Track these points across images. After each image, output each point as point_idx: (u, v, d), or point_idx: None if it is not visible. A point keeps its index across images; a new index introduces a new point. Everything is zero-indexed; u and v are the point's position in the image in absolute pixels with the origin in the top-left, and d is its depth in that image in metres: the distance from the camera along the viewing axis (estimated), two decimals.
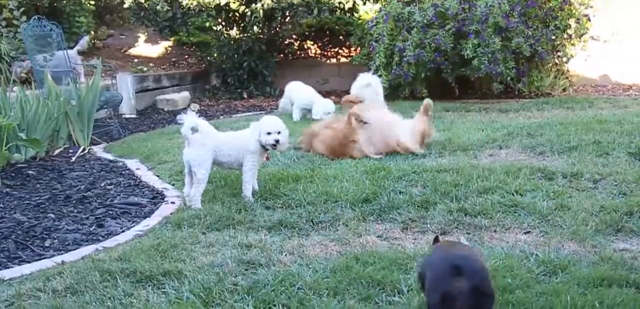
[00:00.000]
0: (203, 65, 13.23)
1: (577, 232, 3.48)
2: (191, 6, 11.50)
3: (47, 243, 3.80)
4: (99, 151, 6.87)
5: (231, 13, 12.09)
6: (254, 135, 4.39)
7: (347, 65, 12.10)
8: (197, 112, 5.00)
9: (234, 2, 11.57)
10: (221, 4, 11.42)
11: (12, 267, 3.41)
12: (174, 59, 13.72)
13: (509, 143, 5.85)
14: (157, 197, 4.73)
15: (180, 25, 12.33)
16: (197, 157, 4.28)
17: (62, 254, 3.56)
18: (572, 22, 9.75)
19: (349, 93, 7.86)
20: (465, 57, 8.96)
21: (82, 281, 3.02)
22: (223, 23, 12.47)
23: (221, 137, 4.55)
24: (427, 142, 5.84)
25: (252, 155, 4.39)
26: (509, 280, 2.84)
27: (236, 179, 4.68)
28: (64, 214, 4.36)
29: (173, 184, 5.01)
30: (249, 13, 11.48)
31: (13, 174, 5.53)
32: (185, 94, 11.36)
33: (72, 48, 8.96)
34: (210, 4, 11.44)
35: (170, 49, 14.22)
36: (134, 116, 9.77)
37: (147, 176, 5.39)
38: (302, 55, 13.58)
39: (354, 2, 12.00)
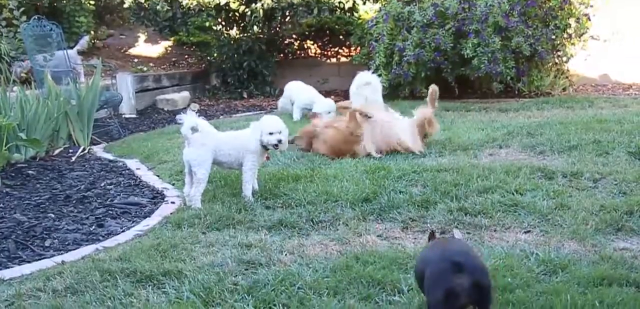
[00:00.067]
0: (203, 65, 13.23)
1: (577, 231, 3.48)
2: (191, 6, 11.50)
3: (47, 243, 3.80)
4: (99, 150, 6.87)
5: (231, 13, 12.09)
6: (255, 135, 4.39)
7: (347, 65, 12.10)
8: (197, 112, 5.00)
9: (234, 2, 11.57)
10: (221, 4, 11.42)
11: (12, 267, 3.41)
12: (174, 59, 13.72)
13: (509, 142, 5.85)
14: (157, 197, 4.73)
15: (180, 25, 12.33)
16: (197, 157, 4.28)
17: (62, 254, 3.56)
18: (572, 21, 9.75)
19: (348, 92, 7.87)
20: (465, 56, 8.96)
21: (82, 281, 3.02)
22: (223, 23, 12.47)
23: (221, 137, 4.55)
24: (431, 134, 5.82)
25: (252, 155, 4.39)
26: (509, 279, 2.84)
27: (236, 178, 4.68)
28: (64, 214, 4.36)
29: (173, 184, 5.01)
30: (249, 13, 11.48)
31: (13, 174, 5.53)
32: (185, 93, 11.36)
33: (72, 48, 8.96)
34: (210, 4, 11.44)
35: (170, 48, 14.22)
36: (134, 115, 9.77)
37: (147, 176, 5.39)
38: (302, 55, 13.58)
39: (354, 1, 12.00)
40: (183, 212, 4.13)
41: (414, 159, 5.32)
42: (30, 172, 5.65)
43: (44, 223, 4.15)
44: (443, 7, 9.16)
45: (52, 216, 4.32)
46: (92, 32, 12.53)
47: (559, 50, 9.87)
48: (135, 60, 13.09)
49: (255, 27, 11.82)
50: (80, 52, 9.42)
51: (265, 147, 4.43)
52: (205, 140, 4.32)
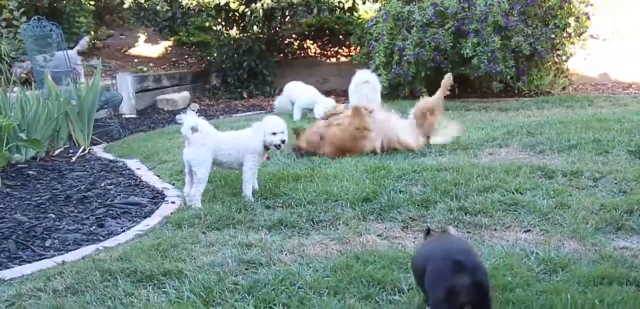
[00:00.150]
0: (203, 65, 13.24)
1: (577, 230, 3.48)
2: (191, 6, 11.51)
3: (47, 243, 3.80)
4: (99, 151, 6.87)
5: (231, 13, 12.10)
6: (257, 135, 4.39)
7: (347, 65, 12.10)
8: (197, 112, 5.00)
9: (233, 2, 11.58)
10: (221, 4, 11.43)
11: (12, 267, 3.41)
12: (173, 59, 13.72)
13: (509, 142, 5.85)
14: (158, 197, 4.74)
15: (180, 25, 12.34)
16: (197, 157, 4.28)
17: (62, 254, 3.57)
18: (571, 20, 9.75)
19: (348, 92, 7.88)
20: (465, 56, 8.97)
21: (83, 281, 3.02)
22: (223, 23, 12.48)
23: (221, 136, 4.55)
24: (433, 122, 5.80)
25: (253, 155, 4.40)
26: (509, 278, 2.84)
27: (236, 178, 4.68)
28: (65, 214, 4.36)
29: (173, 184, 5.01)
30: (248, 13, 11.49)
31: (13, 175, 5.53)
32: (185, 93, 11.37)
33: (72, 48, 8.97)
34: (210, 4, 11.45)
35: (170, 49, 14.23)
36: (134, 115, 9.78)
37: (148, 176, 5.40)
38: (302, 54, 13.59)
39: (354, 1, 12.01)
40: (183, 212, 4.13)
41: (414, 158, 5.32)
42: (30, 172, 5.65)
43: (44, 223, 4.15)
44: (443, 7, 9.16)
45: (53, 216, 4.32)
46: (92, 33, 12.54)
47: (558, 50, 9.88)
48: (135, 60, 13.10)
49: (255, 27, 11.83)
50: (80, 53, 9.43)
51: (266, 147, 4.44)
52: (205, 140, 4.32)
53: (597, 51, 10.30)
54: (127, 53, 13.70)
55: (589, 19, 9.80)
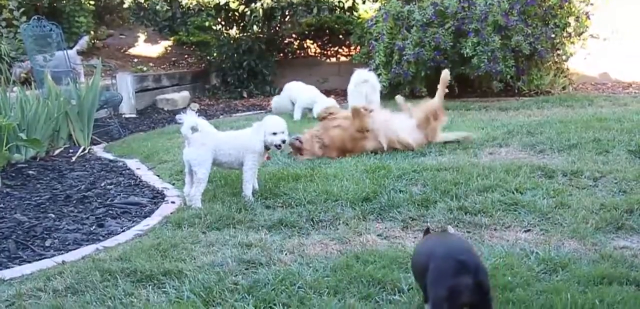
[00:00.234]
0: (203, 65, 13.23)
1: (577, 230, 3.48)
2: (191, 6, 11.50)
3: (47, 243, 3.80)
4: (99, 150, 6.87)
5: (231, 12, 12.09)
6: (258, 135, 4.39)
7: (347, 64, 12.10)
8: (197, 112, 5.00)
9: (233, 2, 11.58)
10: (221, 4, 11.42)
11: (12, 267, 3.41)
12: (173, 59, 13.72)
13: (509, 141, 5.85)
14: (158, 197, 4.74)
15: (179, 24, 12.34)
16: (197, 157, 4.28)
17: (62, 254, 3.57)
18: (571, 20, 9.75)
19: (347, 91, 7.88)
20: (465, 55, 8.96)
21: (83, 281, 3.02)
22: (223, 22, 12.48)
23: (221, 136, 4.55)
24: (437, 127, 5.79)
25: (253, 154, 4.40)
26: (509, 278, 2.84)
27: (236, 178, 4.68)
28: (64, 214, 4.36)
29: (173, 184, 5.01)
30: (248, 12, 11.49)
31: (13, 174, 5.53)
32: (185, 93, 11.37)
33: (71, 48, 8.97)
34: (209, 4, 11.45)
35: (170, 48, 14.23)
36: (134, 115, 9.78)
37: (147, 176, 5.40)
38: (302, 54, 13.59)
39: (354, 1, 12.01)
40: (183, 212, 4.13)
41: (414, 158, 5.32)
42: (30, 172, 5.65)
43: (44, 223, 4.15)
44: (443, 6, 9.16)
45: (53, 216, 4.32)
46: (92, 32, 12.54)
47: (558, 49, 9.87)
48: (135, 60, 13.10)
49: (255, 27, 11.82)
50: (80, 52, 9.43)
51: (267, 147, 4.45)
52: (205, 140, 4.32)
53: (597, 51, 10.29)
54: (127, 53, 13.70)
55: (589, 19, 9.79)
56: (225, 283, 2.92)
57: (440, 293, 2.23)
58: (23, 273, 3.24)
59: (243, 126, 6.00)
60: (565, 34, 9.77)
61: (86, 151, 6.74)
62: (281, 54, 13.29)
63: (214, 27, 12.61)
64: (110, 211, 4.41)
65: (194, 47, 13.66)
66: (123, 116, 9.46)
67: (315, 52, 13.62)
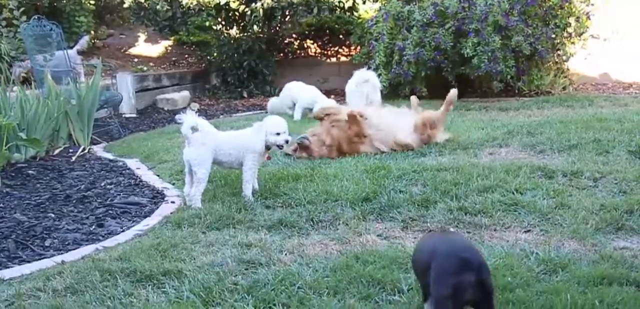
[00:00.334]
0: (203, 65, 13.23)
1: (577, 230, 3.48)
2: (191, 5, 11.50)
3: (47, 243, 3.80)
4: (99, 150, 6.87)
5: (231, 12, 12.09)
6: (260, 135, 4.39)
7: (347, 65, 12.09)
8: (197, 112, 5.00)
9: (233, 2, 11.58)
10: (221, 3, 11.42)
11: (12, 267, 3.41)
12: (174, 59, 13.72)
13: (509, 142, 5.84)
14: (157, 197, 4.73)
15: (180, 24, 12.33)
16: (197, 157, 4.28)
17: (62, 253, 3.57)
18: (572, 20, 9.74)
19: (346, 91, 7.89)
20: (465, 55, 8.96)
21: (82, 281, 3.02)
22: (223, 22, 12.47)
23: (221, 136, 4.55)
24: (432, 136, 5.80)
25: (253, 154, 4.40)
26: (509, 279, 2.84)
27: (236, 178, 4.68)
28: (64, 214, 4.36)
29: (173, 184, 5.01)
30: (248, 12, 11.48)
31: (13, 174, 5.53)
32: (186, 93, 11.37)
33: (71, 48, 8.96)
34: (210, 4, 11.44)
35: (170, 48, 14.23)
36: (134, 115, 9.78)
37: (147, 176, 5.39)
38: (302, 54, 13.58)
39: (354, 1, 12.00)
40: (183, 212, 4.13)
41: (414, 159, 5.32)
42: (30, 172, 5.65)
43: (44, 223, 4.15)
44: (443, 6, 9.16)
45: (52, 215, 4.32)
46: (92, 32, 12.54)
47: (559, 49, 9.86)
48: (135, 60, 13.10)
49: (255, 27, 11.82)
50: (80, 52, 9.43)
51: (267, 147, 4.45)
52: (205, 139, 4.32)
53: (597, 51, 10.28)
54: (127, 52, 13.70)
55: (589, 19, 9.79)
56: (225, 283, 2.92)
57: (443, 291, 2.24)
58: (23, 273, 3.24)
59: (243, 125, 6.00)
60: (565, 34, 9.76)
61: (86, 151, 6.74)
62: (281, 54, 13.29)
63: (214, 27, 12.61)
64: (110, 211, 4.41)
65: (194, 47, 13.66)
66: (123, 115, 9.45)
67: (315, 52, 13.61)
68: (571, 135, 5.77)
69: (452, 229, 2.97)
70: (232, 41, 12.21)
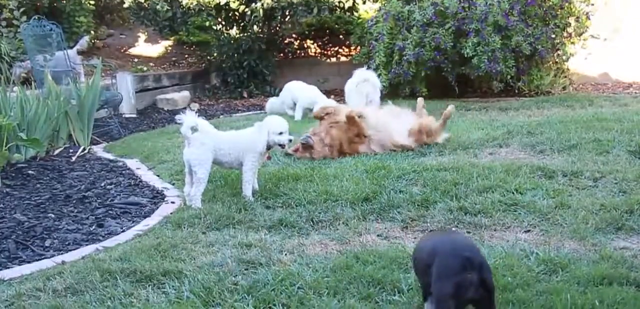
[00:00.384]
0: (203, 65, 13.23)
1: (577, 230, 3.48)
2: (191, 6, 11.49)
3: (47, 243, 3.80)
4: (99, 150, 6.87)
5: (231, 12, 12.09)
6: (261, 135, 4.39)
7: (347, 65, 12.08)
8: (197, 112, 5.00)
9: (233, 2, 11.57)
10: (221, 4, 11.42)
11: (12, 267, 3.41)
12: (174, 59, 13.71)
13: (509, 142, 5.84)
14: (157, 197, 4.73)
15: (180, 24, 12.33)
16: (197, 157, 4.28)
17: (62, 254, 3.57)
18: (572, 20, 9.75)
19: (345, 91, 7.89)
20: (465, 55, 8.96)
21: (82, 281, 3.02)
22: (223, 22, 12.47)
23: (221, 136, 4.55)
24: (427, 144, 5.80)
25: (254, 154, 4.40)
26: (509, 279, 2.84)
27: (236, 178, 4.68)
28: (64, 214, 4.36)
29: (173, 184, 5.01)
30: (248, 12, 11.48)
31: (13, 174, 5.53)
32: (186, 93, 11.36)
33: (71, 48, 8.96)
34: (210, 4, 11.44)
35: (170, 48, 14.22)
36: (134, 115, 9.77)
37: (147, 176, 5.39)
38: (302, 54, 13.58)
39: (354, 1, 12.00)
40: (183, 212, 4.13)
41: (414, 159, 5.32)
42: (30, 172, 5.65)
43: (44, 223, 4.15)
44: (443, 6, 9.15)
45: (52, 216, 4.32)
46: (92, 32, 12.53)
47: (558, 49, 9.86)
48: (135, 60, 13.09)
49: (255, 27, 11.82)
50: (80, 52, 9.42)
51: (269, 147, 4.46)
52: (205, 140, 4.32)
53: (597, 51, 10.28)
54: (127, 53, 13.70)
55: (589, 19, 9.79)
56: (225, 283, 2.92)
57: (445, 290, 2.25)
58: (23, 273, 3.24)
59: (243, 126, 6.00)
60: (565, 34, 9.77)
61: (86, 151, 6.74)
62: (281, 54, 13.29)
63: (214, 27, 12.60)
64: (110, 211, 4.41)
65: (194, 47, 13.66)
66: (123, 115, 9.45)
67: (315, 52, 13.61)
68: (571, 135, 5.77)
69: (453, 229, 2.97)
70: (232, 41, 12.21)
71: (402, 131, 5.78)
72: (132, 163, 5.96)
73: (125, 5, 12.16)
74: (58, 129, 6.81)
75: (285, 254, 3.32)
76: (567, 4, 9.56)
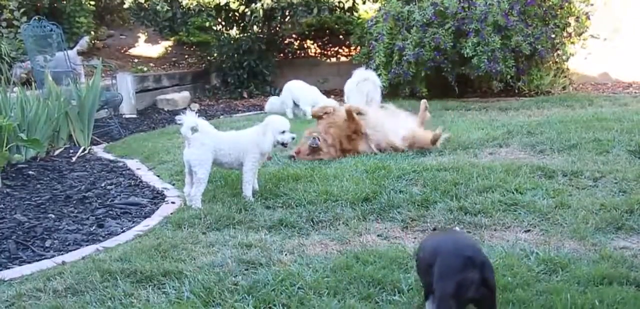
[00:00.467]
0: (203, 65, 13.23)
1: (577, 230, 3.48)
2: (191, 6, 11.50)
3: (47, 243, 3.80)
4: (99, 151, 6.87)
5: (231, 13, 12.09)
6: (267, 135, 4.39)
7: (347, 65, 12.07)
8: (197, 112, 5.01)
9: (233, 2, 11.58)
10: (221, 4, 11.43)
11: (12, 267, 3.41)
12: (174, 59, 13.72)
13: (509, 141, 5.85)
14: (158, 197, 4.74)
15: (180, 25, 12.33)
16: (198, 157, 4.28)
17: (62, 254, 3.57)
18: (571, 20, 9.75)
19: (344, 90, 7.89)
20: (465, 55, 8.96)
21: (83, 281, 3.02)
22: (223, 23, 12.47)
23: (221, 136, 4.55)
24: (420, 147, 5.78)
25: (254, 155, 4.40)
26: (509, 279, 2.84)
27: (236, 179, 4.68)
28: (65, 215, 4.36)
29: (173, 184, 5.02)
30: (248, 13, 11.48)
31: (13, 175, 5.53)
32: (186, 93, 11.37)
33: (72, 48, 8.97)
34: (210, 4, 11.45)
35: (170, 48, 14.22)
36: (134, 115, 9.77)
37: (148, 176, 5.40)
38: (302, 54, 13.59)
39: (354, 1, 12.00)
40: (183, 213, 4.13)
41: (414, 159, 5.32)
42: (30, 172, 5.65)
43: (44, 223, 4.15)
44: (442, 7, 9.16)
45: (53, 216, 4.32)
46: (92, 33, 12.54)
47: (558, 49, 9.87)
48: (136, 60, 13.09)
49: (255, 27, 11.82)
50: (80, 53, 9.43)
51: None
52: (205, 140, 4.33)
53: (597, 51, 10.29)
54: (127, 53, 13.70)
55: (589, 19, 9.80)
56: (225, 284, 2.92)
57: (447, 288, 2.26)
58: (23, 274, 3.25)
59: (244, 126, 6.01)
60: (565, 34, 9.78)
61: (86, 152, 6.74)
62: (281, 54, 13.29)
63: (215, 28, 12.61)
64: (111, 212, 4.41)
65: (194, 47, 13.67)
66: (123, 116, 9.45)
67: (315, 53, 13.62)
68: (571, 135, 5.77)
69: (457, 228, 2.97)
70: (232, 41, 12.21)
71: (397, 132, 5.78)
72: (133, 163, 5.96)
73: (126, 6, 12.17)
74: (58, 129, 6.81)
75: (286, 255, 3.32)
76: (566, 4, 9.57)
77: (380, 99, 7.77)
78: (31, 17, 8.59)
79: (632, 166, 4.67)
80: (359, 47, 11.69)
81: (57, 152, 6.60)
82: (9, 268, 3.40)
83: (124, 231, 3.96)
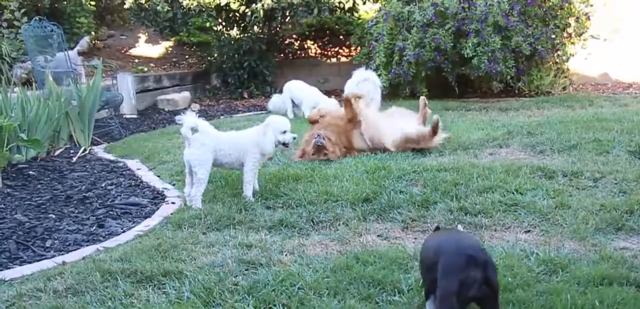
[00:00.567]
0: (203, 65, 13.24)
1: (578, 231, 3.48)
2: (191, 6, 11.51)
3: (48, 243, 3.81)
4: (99, 151, 6.88)
5: (231, 13, 12.10)
6: (269, 136, 4.40)
7: (347, 65, 12.08)
8: (197, 113, 5.01)
9: (234, 2, 11.58)
10: (221, 4, 11.43)
11: (13, 267, 3.42)
12: (174, 59, 13.72)
13: (509, 142, 5.85)
14: (158, 198, 4.74)
15: (180, 25, 12.34)
16: (198, 157, 4.28)
17: (63, 254, 3.57)
18: (571, 20, 9.76)
19: (344, 90, 7.90)
20: (465, 56, 8.97)
21: (83, 282, 3.02)
22: (223, 23, 12.48)
23: (222, 137, 4.55)
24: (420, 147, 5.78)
25: (255, 155, 4.41)
26: (509, 279, 2.84)
27: (237, 179, 4.69)
28: (65, 215, 4.37)
29: (174, 184, 5.02)
30: (249, 13, 11.49)
31: (14, 175, 5.53)
32: (186, 94, 11.37)
33: (72, 49, 8.97)
34: (210, 4, 11.45)
35: (170, 49, 14.23)
36: (134, 116, 9.78)
37: (148, 176, 5.40)
38: (303, 55, 13.60)
39: (354, 1, 12.01)
40: (183, 213, 4.13)
41: (414, 159, 5.32)
42: (31, 172, 5.66)
43: (44, 224, 4.15)
44: (443, 7, 9.16)
45: (53, 216, 4.32)
46: (93, 33, 12.55)
47: (558, 50, 9.87)
48: (136, 60, 13.10)
49: (255, 27, 11.83)
50: (80, 53, 9.44)
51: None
52: (205, 140, 4.33)
53: (597, 51, 10.30)
54: (127, 53, 13.71)
55: (589, 19, 9.80)
56: (225, 284, 2.93)
57: (450, 286, 2.27)
58: (23, 274, 3.25)
59: (244, 126, 6.01)
60: (565, 35, 9.78)
61: (87, 152, 6.74)
62: (282, 55, 13.30)
63: (215, 28, 12.62)
64: (111, 212, 4.42)
65: (194, 47, 13.67)
66: (124, 116, 9.45)
67: (315, 53, 13.63)
68: (571, 135, 5.77)
69: (460, 227, 2.98)
70: (232, 42, 12.22)
71: (389, 133, 5.79)
72: (133, 164, 5.97)
73: (126, 6, 12.18)
74: (59, 129, 6.81)
75: (286, 255, 3.33)
76: (567, 5, 9.57)
77: (380, 99, 7.79)
78: (32, 17, 8.60)
79: (632, 167, 4.67)
80: (359, 48, 11.69)
81: (57, 152, 6.60)
82: (9, 268, 3.40)
83: (124, 231, 3.96)
